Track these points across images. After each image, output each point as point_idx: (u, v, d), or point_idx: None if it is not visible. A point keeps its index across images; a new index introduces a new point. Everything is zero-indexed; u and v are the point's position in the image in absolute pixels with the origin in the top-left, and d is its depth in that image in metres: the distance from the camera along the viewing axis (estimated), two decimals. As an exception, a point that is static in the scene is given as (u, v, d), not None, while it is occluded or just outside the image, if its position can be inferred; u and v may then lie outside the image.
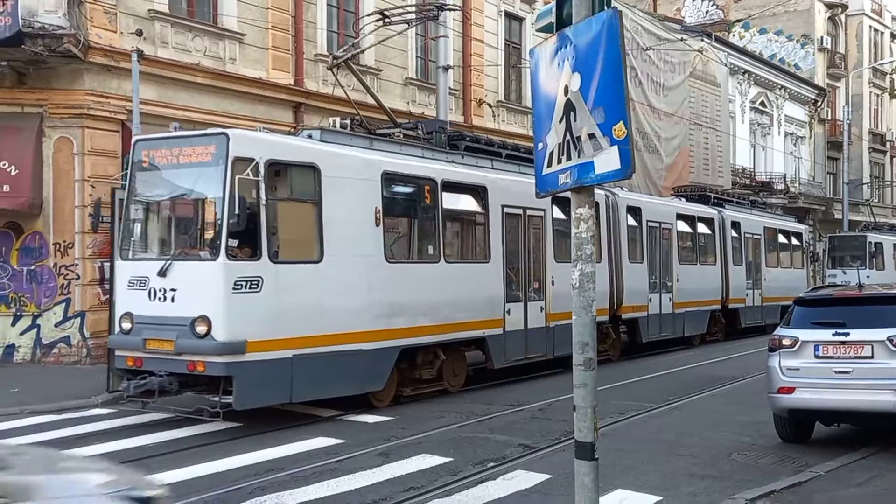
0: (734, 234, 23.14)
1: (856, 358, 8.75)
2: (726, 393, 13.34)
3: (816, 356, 8.94)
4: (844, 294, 9.94)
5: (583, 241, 5.09)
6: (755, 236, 24.50)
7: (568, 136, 5.18)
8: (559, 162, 5.30)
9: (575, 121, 5.12)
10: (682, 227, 20.81)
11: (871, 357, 8.69)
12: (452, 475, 8.02)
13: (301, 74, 19.46)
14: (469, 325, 13.08)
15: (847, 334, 8.81)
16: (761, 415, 10.23)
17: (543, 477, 7.94)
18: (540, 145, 5.52)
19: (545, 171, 5.45)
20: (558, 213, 15.20)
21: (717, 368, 16.44)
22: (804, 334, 9.07)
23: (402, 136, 13.44)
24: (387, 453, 8.86)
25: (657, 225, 19.52)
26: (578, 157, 5.11)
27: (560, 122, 5.26)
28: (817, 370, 8.89)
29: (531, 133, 23.54)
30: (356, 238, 11.07)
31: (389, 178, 11.85)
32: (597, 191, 15.94)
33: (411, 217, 12.91)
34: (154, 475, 7.91)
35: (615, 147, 4.85)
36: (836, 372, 8.79)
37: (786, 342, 9.15)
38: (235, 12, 18.13)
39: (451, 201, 13.06)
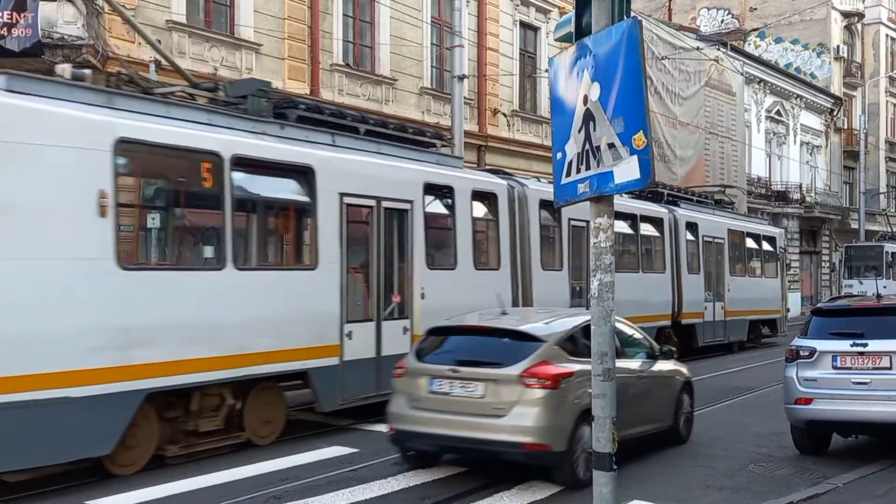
0: (690, 237, 20.01)
1: (874, 369, 8.69)
2: (743, 404, 13.26)
3: (834, 367, 8.89)
4: (862, 304, 9.89)
5: (602, 250, 5.09)
6: (717, 240, 21.28)
7: (587, 146, 5.20)
8: (578, 171, 5.31)
9: (594, 130, 5.13)
10: (620, 227, 16.98)
11: (890, 368, 8.63)
12: (468, 485, 8.00)
13: (317, 84, 19.54)
14: (279, 356, 9.64)
15: (865, 345, 8.75)
16: (778, 426, 10.17)
17: (559, 487, 7.91)
18: (559, 154, 5.53)
19: (564, 180, 5.46)
20: (434, 206, 12.22)
21: (734, 379, 16.35)
22: (822, 345, 9.02)
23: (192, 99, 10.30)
24: (402, 462, 8.84)
25: (582, 225, 15.34)
26: (598, 166, 5.12)
27: (579, 131, 5.28)
28: (835, 381, 8.83)
29: (546, 143, 23.54)
30: (59, 233, 7.77)
31: (130, 150, 8.44)
32: (496, 180, 13.73)
33: (174, 205, 9.66)
34: (167, 484, 7.97)
35: (635, 157, 4.86)
36: (854, 383, 8.73)
37: (803, 353, 9.10)
38: (252, 23, 18.24)
39: (249, 185, 9.81)
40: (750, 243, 23.42)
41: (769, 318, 24.10)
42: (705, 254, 20.53)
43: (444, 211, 12.49)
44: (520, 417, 7.70)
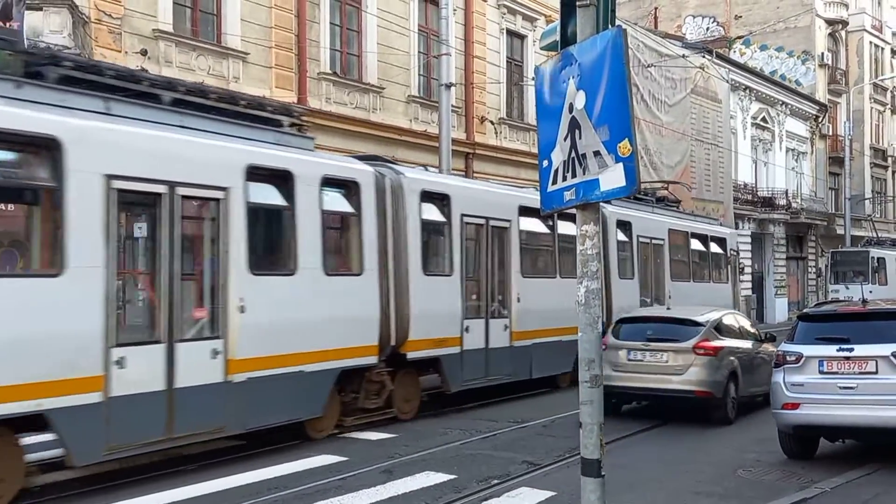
0: (622, 237, 17.47)
1: (860, 373, 8.74)
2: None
3: (821, 372, 8.94)
4: (848, 309, 9.95)
5: (588, 258, 5.11)
6: (656, 241, 18.88)
7: (573, 154, 5.22)
8: (564, 179, 5.33)
9: (580, 138, 5.15)
10: (529, 225, 14.48)
11: (876, 373, 8.68)
12: (457, 492, 8.01)
13: (304, 92, 19.54)
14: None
15: (851, 350, 8.81)
16: (766, 431, 10.21)
17: (548, 494, 7.93)
18: (545, 162, 5.56)
19: (550, 188, 5.48)
20: (263, 195, 9.84)
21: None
22: (808, 350, 9.07)
23: None
24: (390, 470, 8.84)
25: (483, 223, 13.51)
26: (584, 174, 5.14)
27: (565, 139, 5.30)
28: (822, 386, 8.88)
29: (534, 150, 23.49)
30: None
31: None
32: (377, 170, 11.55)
33: None
34: (154, 495, 7.93)
35: (620, 164, 4.89)
36: (840, 387, 8.78)
37: (790, 358, 9.15)
38: (239, 31, 18.24)
39: None
40: (696, 245, 21.08)
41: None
42: (641, 256, 18.15)
43: (279, 202, 10.03)
44: (693, 374, 11.65)
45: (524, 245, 14.38)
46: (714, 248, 21.92)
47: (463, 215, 12.88)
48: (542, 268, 15.21)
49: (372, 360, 10.97)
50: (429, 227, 12.37)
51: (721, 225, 24.57)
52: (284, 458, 9.50)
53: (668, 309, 14.14)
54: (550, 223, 14.85)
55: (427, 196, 12.28)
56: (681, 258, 20.25)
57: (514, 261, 13.96)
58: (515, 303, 13.81)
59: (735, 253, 23.48)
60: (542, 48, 6.71)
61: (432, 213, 12.42)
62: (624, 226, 17.49)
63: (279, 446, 10.06)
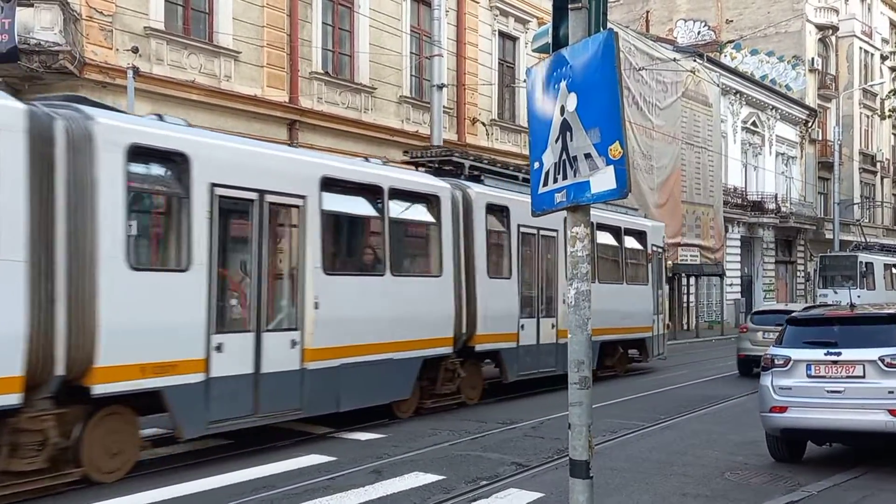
0: (497, 226, 14.09)
1: (848, 377, 8.79)
2: (718, 412, 13.36)
3: (809, 375, 8.98)
4: (836, 314, 10.00)
5: (578, 259, 5.12)
6: (546, 233, 15.19)
7: (564, 156, 5.23)
8: (555, 181, 5.35)
9: (571, 140, 5.17)
10: (352, 206, 11.75)
11: (863, 377, 8.73)
12: (445, 493, 8.01)
13: (296, 92, 19.54)
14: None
15: (839, 354, 8.85)
16: (753, 434, 10.25)
17: (536, 495, 7.94)
18: (536, 164, 5.57)
19: (541, 189, 5.49)
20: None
21: (709, 388, 16.47)
22: (796, 353, 9.11)
23: None
24: (379, 471, 8.84)
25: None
26: (574, 176, 5.15)
27: (556, 141, 5.31)
28: (809, 389, 8.92)
29: (525, 152, 23.69)
30: None
31: None
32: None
33: None
34: (145, 493, 7.92)
35: (611, 167, 4.90)
36: (828, 391, 8.82)
37: (778, 361, 9.19)
38: (231, 30, 18.21)
39: None
40: (605, 238, 17.54)
41: (636, 337, 18.57)
42: (524, 251, 14.69)
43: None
44: None
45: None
46: (630, 243, 18.57)
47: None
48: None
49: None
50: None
51: (646, 217, 21.59)
52: (273, 457, 9.49)
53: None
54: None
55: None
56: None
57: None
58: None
59: (660, 250, 20.21)
60: (534, 50, 6.73)
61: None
62: (498, 211, 14.05)
63: (267, 446, 10.05)
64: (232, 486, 8.23)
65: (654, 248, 19.63)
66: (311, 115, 19.79)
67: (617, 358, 18.09)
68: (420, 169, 14.25)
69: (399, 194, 12.18)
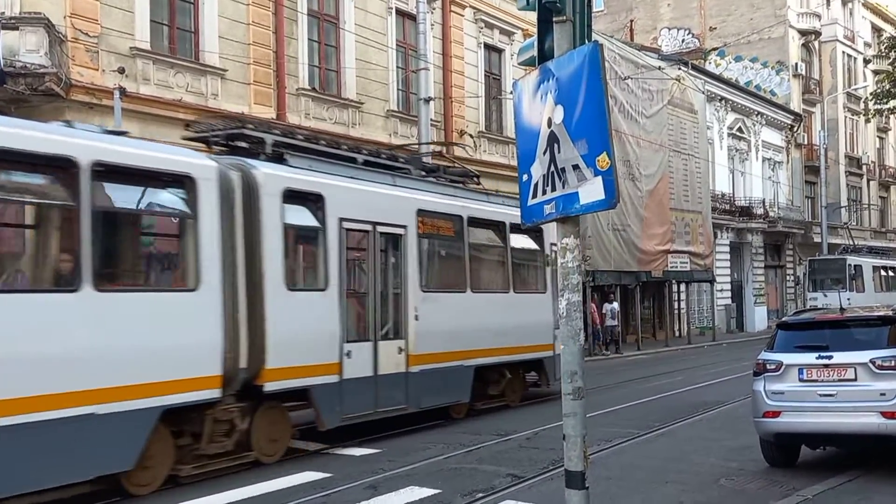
0: (305, 219, 10.98)
1: (840, 381, 8.82)
2: (712, 418, 13.39)
3: (801, 380, 9.01)
4: (827, 317, 10.04)
5: (569, 270, 5.15)
6: (386, 230, 12.02)
7: (552, 168, 5.26)
8: (544, 193, 5.38)
9: (559, 152, 5.20)
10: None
11: (855, 380, 8.76)
12: (442, 507, 8.00)
13: (283, 108, 19.57)
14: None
15: (830, 357, 8.89)
16: (748, 439, 10.28)
17: (533, 507, 7.93)
18: (524, 176, 5.60)
19: (530, 201, 5.52)
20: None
21: (703, 394, 16.49)
22: (788, 358, 9.15)
23: None
24: (375, 486, 8.82)
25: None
26: (563, 187, 5.18)
27: (544, 153, 5.34)
28: (802, 394, 8.95)
29: (513, 163, 23.64)
30: None
31: None
32: None
33: None
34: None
35: (599, 178, 4.93)
36: (820, 395, 8.86)
37: (770, 366, 9.22)
38: (217, 48, 18.24)
39: None
40: (483, 237, 14.41)
41: (530, 357, 15.01)
42: (351, 254, 11.71)
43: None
44: None
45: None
46: (520, 241, 15.09)
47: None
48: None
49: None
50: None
51: None
52: (267, 475, 9.46)
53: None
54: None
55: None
56: (450, 256, 13.80)
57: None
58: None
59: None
60: (519, 63, 6.77)
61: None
62: (306, 201, 10.88)
63: (261, 463, 10.01)
64: (227, 506, 8.20)
65: (555, 248, 15.70)
66: (298, 130, 19.78)
67: (504, 384, 14.53)
68: (215, 150, 10.91)
69: (121, 175, 8.65)
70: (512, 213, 14.21)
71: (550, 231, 14.55)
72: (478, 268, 14.46)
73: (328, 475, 9.38)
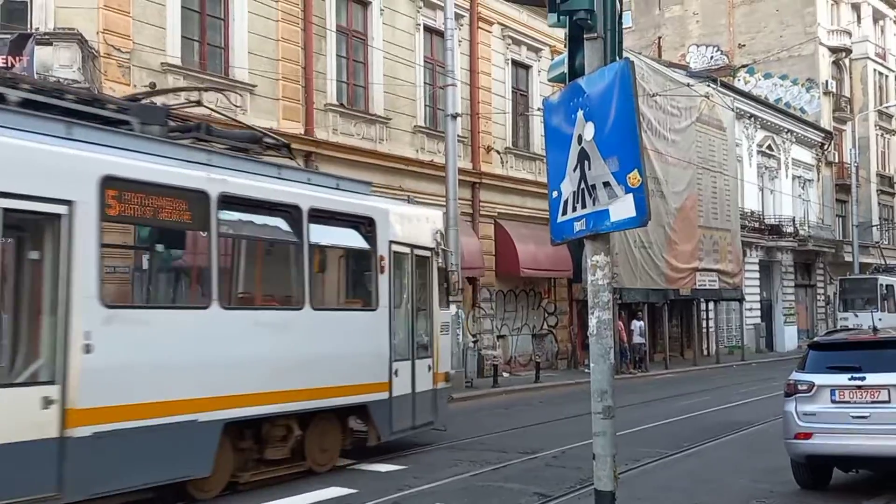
0: None
1: (873, 402, 8.67)
2: (742, 438, 13.21)
3: (833, 401, 8.87)
4: (859, 338, 9.89)
5: (599, 287, 5.11)
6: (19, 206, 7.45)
7: (582, 185, 5.24)
8: (574, 210, 5.35)
9: (589, 169, 5.18)
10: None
11: (889, 401, 8.61)
12: (468, 525, 7.94)
13: (311, 124, 19.68)
14: None
15: (863, 378, 8.74)
16: (779, 461, 10.11)
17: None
18: (554, 193, 5.58)
19: (560, 218, 5.49)
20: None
21: (732, 414, 16.30)
22: (820, 379, 9.01)
23: None
24: (400, 503, 8.77)
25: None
26: (593, 204, 5.15)
27: (574, 170, 5.32)
28: (834, 415, 8.81)
29: (540, 179, 23.62)
30: None
31: None
32: None
33: None
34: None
35: (630, 195, 4.90)
36: (853, 417, 8.71)
37: (802, 387, 9.09)
38: (247, 64, 18.40)
39: None
40: (245, 224, 9.99)
41: (345, 403, 10.72)
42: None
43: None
44: None
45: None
46: (328, 236, 10.95)
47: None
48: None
49: None
50: None
51: (386, 198, 12.95)
52: (292, 490, 9.44)
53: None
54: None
55: None
56: (173, 253, 10.70)
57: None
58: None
59: (425, 251, 12.38)
60: (549, 80, 6.76)
61: None
62: None
63: (286, 478, 10.00)
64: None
65: (399, 247, 11.71)
66: (326, 146, 19.91)
67: (292, 444, 9.97)
68: None
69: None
70: (314, 195, 10.34)
71: (389, 222, 11.46)
72: (237, 271, 10.70)
73: (353, 491, 9.34)
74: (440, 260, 12.93)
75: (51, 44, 14.74)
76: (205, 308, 9.04)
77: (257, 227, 10.25)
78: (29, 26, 15.30)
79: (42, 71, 14.48)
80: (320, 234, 10.58)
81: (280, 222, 10.24)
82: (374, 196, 12.24)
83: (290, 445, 10.02)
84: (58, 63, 14.77)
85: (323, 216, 10.56)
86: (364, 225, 11.25)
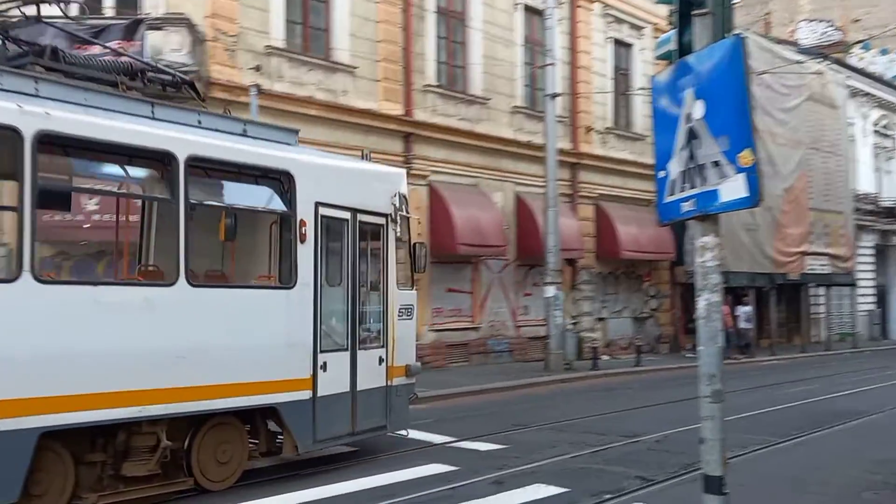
0: None
1: None
2: (854, 428, 12.74)
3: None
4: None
5: (708, 270, 4.98)
6: None
7: (691, 164, 5.12)
8: (682, 190, 5.24)
9: (698, 148, 5.05)
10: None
11: None
12: (570, 506, 7.91)
13: (410, 105, 19.81)
14: None
15: None
16: (893, 451, 9.73)
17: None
18: (661, 173, 5.46)
19: (667, 199, 5.38)
20: None
21: (844, 403, 15.73)
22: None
23: None
24: (501, 482, 8.80)
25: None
26: (702, 184, 5.03)
27: (682, 149, 5.20)
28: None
29: (642, 160, 23.21)
30: None
31: None
32: None
33: None
34: (265, 498, 8.12)
35: (741, 175, 4.76)
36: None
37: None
38: (348, 46, 18.64)
39: None
40: (95, 177, 8.77)
41: (246, 404, 8.42)
42: None
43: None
44: None
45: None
46: (217, 192, 8.82)
47: None
48: None
49: None
50: None
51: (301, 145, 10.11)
52: (393, 466, 9.58)
53: None
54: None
55: None
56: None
57: None
58: None
59: (377, 217, 10.01)
60: (657, 58, 6.61)
61: None
62: None
63: (387, 455, 10.17)
64: (352, 494, 8.34)
65: (333, 211, 9.35)
66: (425, 127, 20.02)
67: (158, 458, 7.78)
68: None
69: None
70: (196, 141, 8.08)
71: (316, 179, 9.18)
72: (69, 234, 9.38)
73: (455, 468, 9.41)
74: (398, 229, 10.20)
75: (161, 28, 15.25)
76: (9, 281, 6.64)
77: (100, 178, 8.49)
78: (140, 11, 15.85)
79: (154, 55, 14.99)
80: (206, 191, 8.40)
81: (140, 173, 8.46)
82: (302, 147, 9.75)
83: (157, 459, 7.70)
84: (168, 47, 15.28)
85: (211, 168, 8.43)
86: (277, 181, 8.82)
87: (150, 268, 9.01)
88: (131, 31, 14.87)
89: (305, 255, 8.85)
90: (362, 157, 10.56)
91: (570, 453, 10.42)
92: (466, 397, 15.98)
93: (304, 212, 8.88)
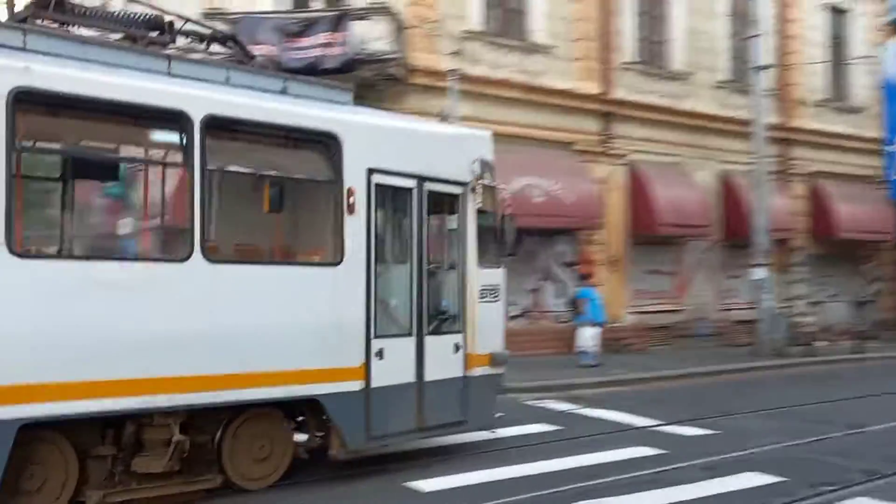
0: None
1: None
2: None
3: None
4: None
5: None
6: None
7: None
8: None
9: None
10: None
11: None
12: (787, 496, 7.47)
13: (609, 83, 19.43)
14: None
15: None
16: None
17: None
18: (893, 147, 4.99)
19: (902, 167, 4.91)
20: None
21: None
22: None
23: None
24: (712, 468, 8.46)
25: None
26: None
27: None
28: None
29: (862, 133, 21.56)
30: None
31: None
32: None
33: None
34: (474, 472, 8.22)
35: None
36: None
37: None
38: (544, 27, 18.52)
39: None
40: (89, 138, 7.72)
41: (278, 396, 7.38)
42: None
43: None
44: None
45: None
46: (257, 159, 7.79)
47: None
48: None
49: None
50: None
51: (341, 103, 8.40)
52: (599, 447, 9.44)
53: None
54: None
55: None
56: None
57: None
58: None
59: (455, 186, 8.82)
60: (886, 24, 6.04)
61: None
62: None
63: (591, 435, 10.06)
64: (559, 473, 8.29)
65: (391, 178, 8.16)
66: (624, 105, 19.59)
67: (170, 457, 6.81)
68: None
69: None
70: (215, 99, 7.08)
71: (370, 143, 7.98)
72: (58, 204, 7.99)
73: (662, 452, 9.16)
74: (480, 200, 8.86)
75: (366, 18, 15.78)
76: None
77: (96, 140, 7.68)
78: (346, 3, 16.46)
79: (358, 44, 15.52)
80: (231, 156, 7.57)
81: (148, 134, 7.48)
82: (356, 107, 8.40)
83: (171, 454, 6.76)
84: (372, 37, 15.77)
85: (237, 130, 7.36)
86: (320, 144, 7.68)
87: (160, 241, 7.89)
88: (338, 23, 15.48)
89: (355, 228, 7.67)
90: (439, 119, 9.73)
91: (785, 442, 9.86)
92: (669, 381, 15.55)
93: (353, 179, 7.68)
